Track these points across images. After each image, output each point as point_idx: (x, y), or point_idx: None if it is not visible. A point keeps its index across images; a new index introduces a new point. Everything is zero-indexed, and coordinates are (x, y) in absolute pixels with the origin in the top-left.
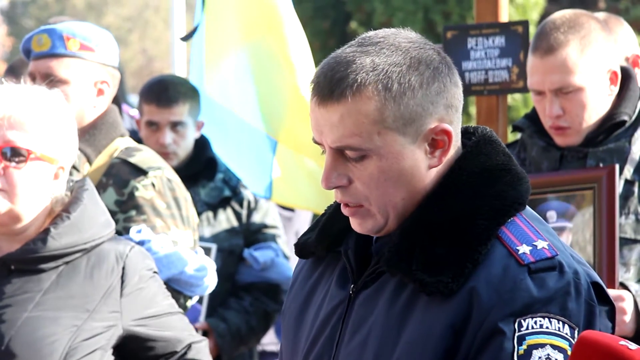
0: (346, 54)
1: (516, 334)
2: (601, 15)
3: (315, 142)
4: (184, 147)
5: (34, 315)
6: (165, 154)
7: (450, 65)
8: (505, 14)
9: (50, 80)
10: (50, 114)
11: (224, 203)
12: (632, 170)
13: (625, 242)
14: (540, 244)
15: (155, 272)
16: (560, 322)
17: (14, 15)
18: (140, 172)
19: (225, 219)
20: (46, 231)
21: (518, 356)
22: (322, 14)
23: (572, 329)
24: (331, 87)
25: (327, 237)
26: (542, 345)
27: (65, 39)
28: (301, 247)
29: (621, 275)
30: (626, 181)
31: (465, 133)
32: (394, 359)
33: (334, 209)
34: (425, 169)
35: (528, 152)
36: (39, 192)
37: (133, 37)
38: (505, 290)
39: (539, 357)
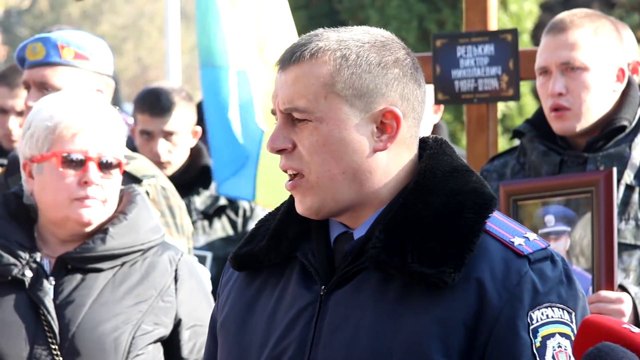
0: (316, 31)
1: (530, 328)
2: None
3: (272, 113)
4: (179, 155)
5: (93, 311)
6: (159, 163)
7: (417, 66)
8: (494, 22)
9: (45, 88)
10: (115, 122)
11: (219, 211)
12: (632, 175)
13: (625, 247)
14: (531, 236)
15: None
16: (561, 310)
17: (9, 24)
18: (135, 180)
19: (221, 228)
20: (105, 231)
21: (536, 349)
22: (316, 23)
23: (569, 314)
24: (293, 52)
25: (282, 242)
26: (552, 335)
27: (59, 47)
28: (242, 259)
29: (620, 281)
30: (626, 186)
31: (420, 142)
32: (396, 354)
33: (282, 214)
34: (370, 150)
35: (528, 157)
36: (116, 198)
37: (128, 45)
38: (512, 284)
39: (553, 347)
